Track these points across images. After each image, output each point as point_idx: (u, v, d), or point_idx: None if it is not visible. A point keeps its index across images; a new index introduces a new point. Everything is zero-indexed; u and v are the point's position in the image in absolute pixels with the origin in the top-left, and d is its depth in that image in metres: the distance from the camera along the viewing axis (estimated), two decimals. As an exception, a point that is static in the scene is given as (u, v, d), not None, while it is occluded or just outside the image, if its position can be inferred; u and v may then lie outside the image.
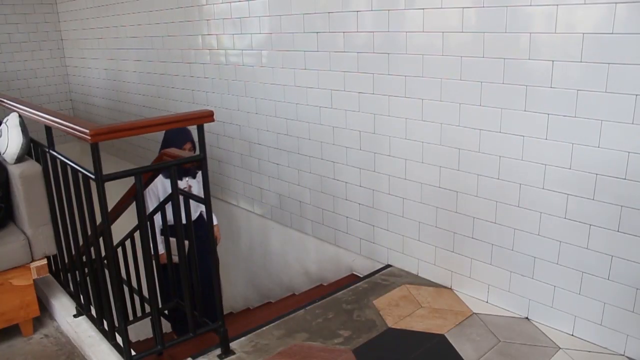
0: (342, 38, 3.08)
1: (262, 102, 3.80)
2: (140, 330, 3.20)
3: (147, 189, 3.18)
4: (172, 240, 2.76)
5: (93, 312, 2.54)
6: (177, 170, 3.11)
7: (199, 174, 3.48)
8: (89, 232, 2.33)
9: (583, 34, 2.11)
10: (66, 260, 2.74)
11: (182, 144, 3.30)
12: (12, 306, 2.68)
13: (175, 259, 2.84)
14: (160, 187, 3.30)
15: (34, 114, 2.43)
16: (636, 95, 2.03)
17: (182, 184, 3.35)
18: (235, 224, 4.42)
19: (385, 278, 3.07)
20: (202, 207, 3.54)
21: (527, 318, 2.60)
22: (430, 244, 2.94)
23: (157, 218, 3.02)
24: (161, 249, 3.10)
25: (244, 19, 3.75)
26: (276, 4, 3.45)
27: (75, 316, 2.75)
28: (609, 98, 2.10)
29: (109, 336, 2.33)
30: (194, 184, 3.45)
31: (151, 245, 2.45)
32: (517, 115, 2.39)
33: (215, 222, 3.58)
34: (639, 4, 1.96)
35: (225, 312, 2.51)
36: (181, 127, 3.27)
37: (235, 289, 4.63)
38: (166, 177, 3.23)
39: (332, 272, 3.60)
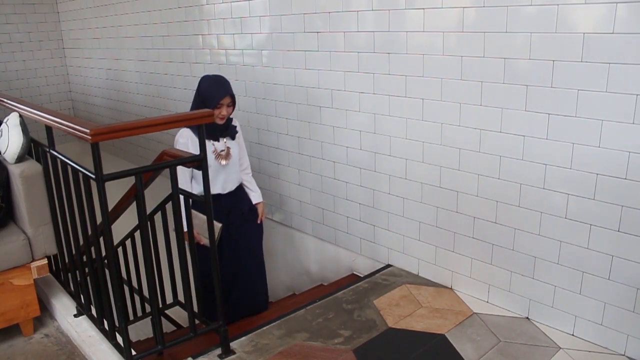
0: (342, 38, 3.08)
1: (262, 102, 3.80)
2: (141, 330, 3.20)
3: (176, 142, 2.93)
4: (200, 216, 2.56)
5: (93, 311, 2.54)
6: (211, 131, 2.88)
7: (240, 135, 3.15)
8: (90, 232, 2.33)
9: (583, 33, 2.11)
10: (66, 260, 2.74)
11: (219, 97, 2.87)
12: (13, 306, 2.68)
13: (205, 240, 2.65)
14: (191, 145, 2.87)
15: (34, 113, 2.43)
16: (637, 95, 2.03)
17: (220, 145, 3.00)
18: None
19: (386, 278, 3.07)
20: (243, 178, 3.19)
21: (527, 318, 2.60)
22: (431, 244, 2.94)
23: (186, 183, 2.79)
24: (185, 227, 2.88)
25: (244, 19, 3.75)
26: (276, 3, 3.45)
27: (75, 316, 2.75)
28: (609, 98, 2.10)
29: (110, 336, 2.33)
30: (234, 146, 3.07)
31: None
32: (518, 115, 2.39)
33: (259, 199, 3.26)
34: (639, 4, 1.96)
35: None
36: (219, 78, 2.97)
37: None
38: (197, 135, 2.94)
39: (333, 272, 3.60)
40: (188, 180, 2.93)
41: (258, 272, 3.32)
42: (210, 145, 2.93)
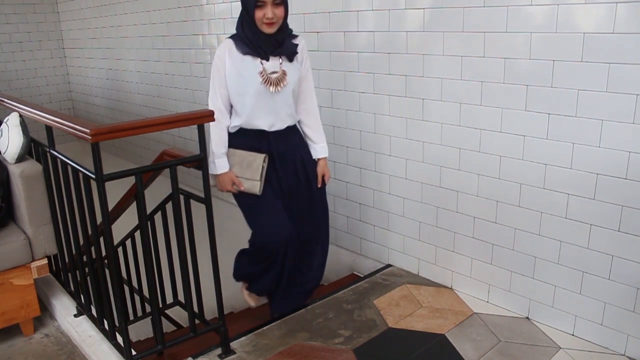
0: (342, 38, 3.08)
1: (262, 101, 3.79)
2: (141, 330, 3.20)
3: (216, 55, 2.35)
4: (239, 153, 2.19)
5: (93, 311, 2.54)
6: (257, 45, 2.24)
7: (300, 56, 2.37)
8: (90, 232, 2.33)
9: (583, 33, 2.11)
10: (67, 260, 2.74)
11: None
12: (13, 306, 2.68)
13: (249, 184, 2.30)
14: (228, 58, 2.29)
15: (34, 113, 2.43)
16: (637, 95, 2.03)
17: (271, 66, 2.28)
18: (235, 223, 4.41)
19: (386, 278, 3.07)
20: (305, 121, 2.50)
21: (527, 318, 2.60)
22: (431, 244, 2.94)
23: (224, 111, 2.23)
24: (225, 167, 2.33)
25: (244, 19, 3.74)
26: (276, 3, 3.45)
27: (75, 316, 2.75)
28: (609, 98, 2.10)
29: (110, 336, 2.33)
30: (292, 72, 2.32)
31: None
32: (518, 115, 2.39)
33: (322, 154, 2.54)
34: (639, 4, 1.96)
35: (225, 312, 2.50)
36: None
37: (236, 288, 4.63)
38: (244, 52, 2.27)
39: (333, 272, 3.60)
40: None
41: (318, 240, 2.65)
42: (257, 64, 2.26)
